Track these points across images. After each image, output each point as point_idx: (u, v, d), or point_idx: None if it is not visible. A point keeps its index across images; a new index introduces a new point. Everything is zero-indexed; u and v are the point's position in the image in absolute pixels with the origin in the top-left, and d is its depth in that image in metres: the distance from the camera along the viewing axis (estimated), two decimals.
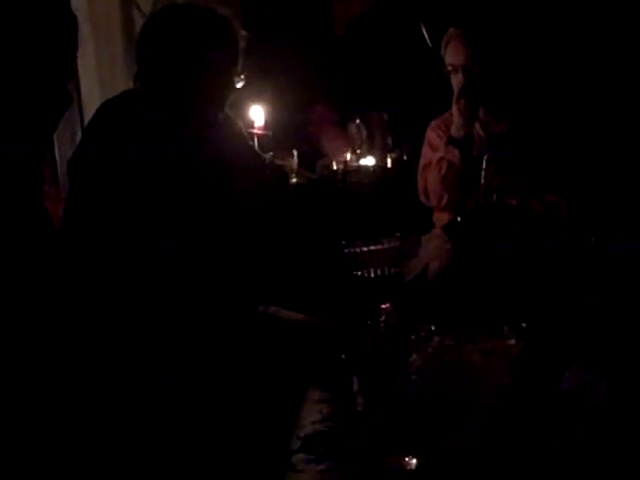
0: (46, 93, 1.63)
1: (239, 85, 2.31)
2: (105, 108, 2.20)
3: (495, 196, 2.52)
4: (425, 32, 3.35)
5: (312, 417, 1.68)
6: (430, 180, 3.13)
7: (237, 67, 2.28)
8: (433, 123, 3.25)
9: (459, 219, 2.62)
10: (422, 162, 3.26)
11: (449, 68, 3.00)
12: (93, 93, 3.11)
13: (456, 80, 2.99)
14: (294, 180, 3.25)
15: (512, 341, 1.70)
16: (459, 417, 1.40)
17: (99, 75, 3.13)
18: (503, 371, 1.58)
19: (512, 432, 1.40)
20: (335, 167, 3.66)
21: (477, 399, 1.46)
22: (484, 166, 2.62)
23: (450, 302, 2.05)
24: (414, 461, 1.44)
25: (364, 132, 3.86)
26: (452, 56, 3.00)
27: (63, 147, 2.91)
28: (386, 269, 1.98)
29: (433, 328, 1.57)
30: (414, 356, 1.45)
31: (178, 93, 2.18)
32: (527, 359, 1.63)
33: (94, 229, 2.11)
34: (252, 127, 3.17)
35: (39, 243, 1.75)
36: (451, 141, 2.97)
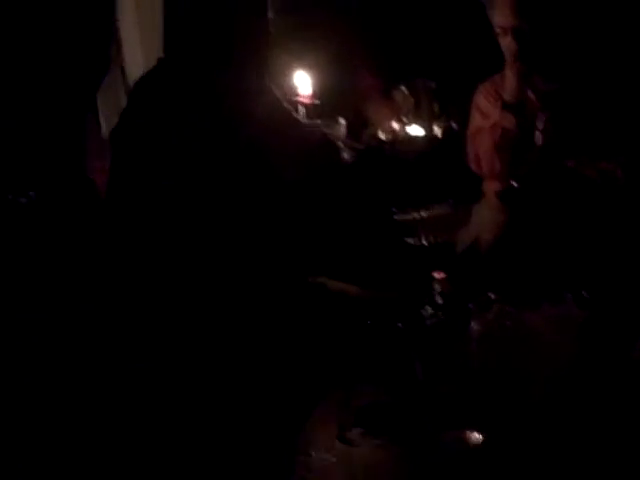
0: (85, 57, 1.60)
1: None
2: (143, 80, 2.17)
3: (552, 158, 2.42)
4: None
5: (368, 390, 1.63)
6: (482, 147, 3.03)
7: (269, 26, 2.20)
8: (481, 87, 3.15)
9: (515, 184, 2.53)
10: (472, 128, 3.17)
11: (497, 30, 2.90)
12: (136, 61, 3.08)
13: (505, 42, 2.89)
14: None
15: (575, 309, 1.62)
16: (522, 388, 1.34)
17: (142, 43, 3.09)
18: (567, 339, 1.51)
19: (579, 404, 1.34)
20: (382, 136, 3.60)
21: (541, 368, 1.39)
22: (540, 127, 2.52)
23: (507, 270, 1.98)
24: (474, 435, 1.39)
25: (410, 100, 3.79)
26: (500, 17, 2.89)
27: (108, 118, 2.88)
28: (439, 237, 1.91)
29: (492, 296, 1.50)
30: (473, 324, 1.39)
31: (211, 62, 2.12)
32: (595, 328, 1.55)
33: (136, 203, 2.09)
34: (297, 95, 3.11)
35: (84, 216, 1.73)
36: (505, 106, 2.88)
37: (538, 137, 2.51)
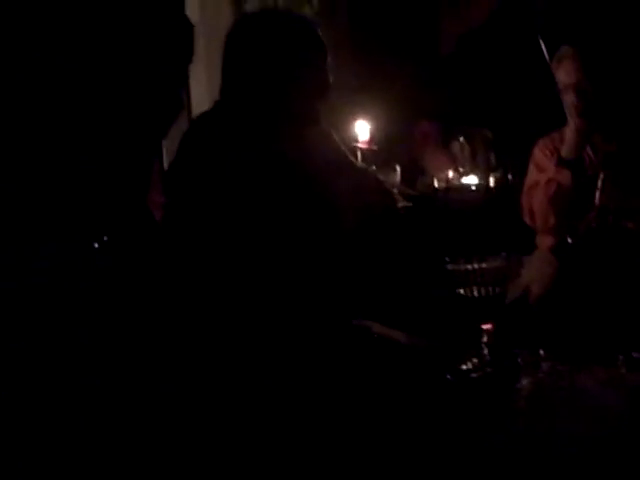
0: (160, 99, 1.66)
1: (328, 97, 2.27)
2: (198, 122, 2.22)
3: (611, 218, 2.42)
4: (543, 46, 3.27)
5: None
6: (537, 201, 3.05)
7: (328, 79, 2.22)
8: (540, 142, 3.17)
9: (570, 240, 2.53)
10: (528, 182, 3.18)
11: (560, 87, 2.93)
12: (203, 100, 3.15)
13: (568, 99, 2.92)
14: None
15: (627, 372, 1.60)
16: (570, 450, 1.33)
17: (209, 82, 3.17)
18: (619, 402, 1.49)
19: (627, 468, 1.33)
20: (437, 185, 3.62)
21: (590, 430, 1.38)
22: (599, 186, 2.53)
23: (558, 328, 1.98)
24: None
25: (467, 150, 3.81)
26: (564, 74, 2.93)
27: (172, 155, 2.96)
28: (490, 289, 1.92)
29: (542, 353, 1.50)
30: (524, 381, 1.38)
31: (266, 109, 2.14)
32: None
33: (190, 241, 2.12)
34: (356, 141, 3.16)
35: (144, 248, 1.77)
36: (562, 162, 2.90)
37: (597, 196, 2.52)
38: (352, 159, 2.55)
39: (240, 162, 2.07)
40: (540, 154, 3.15)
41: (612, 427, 1.40)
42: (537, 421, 1.37)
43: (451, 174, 3.66)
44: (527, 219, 3.14)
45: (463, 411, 1.40)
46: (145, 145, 1.71)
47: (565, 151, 2.95)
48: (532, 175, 3.17)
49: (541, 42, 3.32)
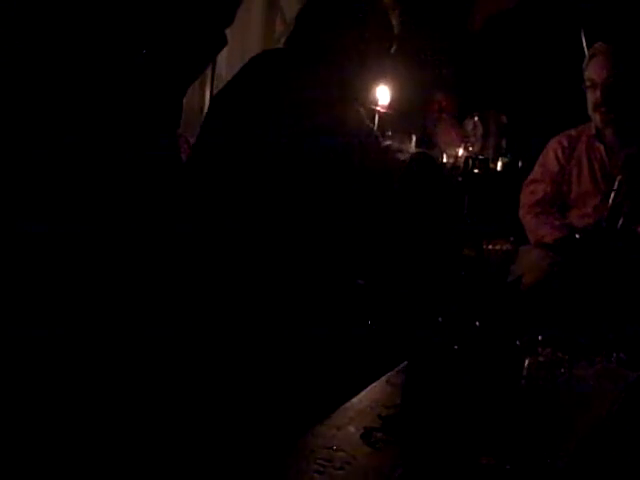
0: (208, 34, 1.67)
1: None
2: (259, 58, 2.22)
3: (622, 220, 2.46)
4: (584, 38, 3.27)
5: (396, 399, 1.67)
6: (528, 200, 3.12)
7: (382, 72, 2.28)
8: (555, 140, 3.17)
9: (577, 236, 2.57)
10: (531, 177, 3.21)
11: (588, 83, 2.94)
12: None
13: (593, 96, 2.93)
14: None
15: (623, 369, 1.66)
16: (558, 435, 1.38)
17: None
18: (614, 395, 1.55)
19: (609, 462, 1.38)
20: (445, 160, 3.64)
21: (584, 416, 1.43)
22: (615, 187, 2.56)
23: (555, 317, 2.03)
24: (493, 463, 1.42)
25: (480, 130, 3.83)
26: (594, 71, 2.94)
27: (190, 95, 2.95)
28: (494, 271, 1.96)
29: (540, 338, 1.55)
30: (526, 361, 1.43)
31: (328, 67, 2.17)
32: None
33: (217, 171, 2.13)
34: (375, 105, 3.17)
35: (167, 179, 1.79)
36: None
37: (612, 197, 2.55)
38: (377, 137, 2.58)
39: (275, 115, 2.08)
40: (551, 152, 3.16)
41: (604, 415, 1.45)
42: (534, 399, 1.42)
43: (461, 151, 3.68)
44: (520, 212, 3.19)
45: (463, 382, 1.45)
46: (184, 78, 1.72)
47: None
48: (537, 171, 3.20)
49: (583, 35, 3.32)
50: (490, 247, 1.95)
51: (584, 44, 3.30)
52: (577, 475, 1.34)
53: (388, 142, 2.76)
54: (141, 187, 1.70)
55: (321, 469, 1.44)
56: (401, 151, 2.49)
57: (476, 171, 3.06)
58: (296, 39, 2.22)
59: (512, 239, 2.01)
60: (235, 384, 1.82)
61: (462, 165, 3.32)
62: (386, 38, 2.24)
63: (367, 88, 2.34)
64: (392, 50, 2.27)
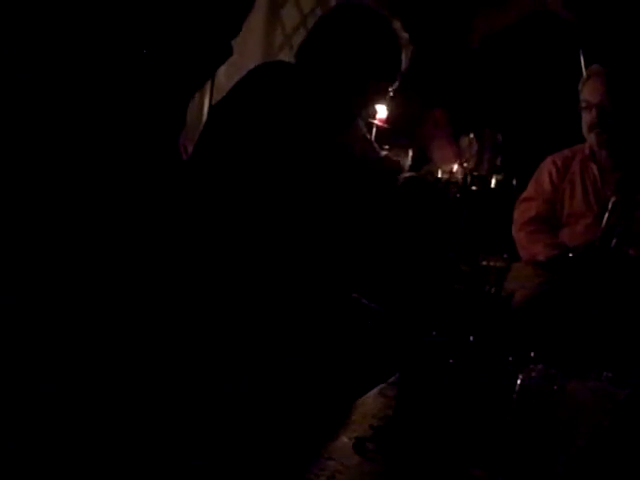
0: (215, 44, 1.69)
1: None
2: (261, 69, 2.24)
3: (615, 241, 2.49)
4: (582, 60, 3.31)
5: (388, 411, 1.69)
6: (522, 217, 3.14)
7: (391, 83, 2.30)
8: (549, 159, 3.21)
9: (570, 255, 2.60)
10: (524, 195, 3.24)
11: (583, 104, 2.98)
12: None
13: (588, 117, 2.97)
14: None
15: (613, 387, 1.69)
16: (550, 449, 1.40)
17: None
18: (605, 411, 1.57)
19: (601, 476, 1.40)
20: (440, 175, 3.65)
21: (575, 432, 1.45)
22: (609, 208, 2.59)
23: (551, 336, 2.05)
24: (481, 476, 1.44)
25: (475, 147, 3.85)
26: (589, 92, 2.97)
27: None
28: (488, 287, 1.98)
29: (532, 354, 1.57)
30: (519, 377, 1.45)
31: (328, 86, 2.20)
32: (631, 406, 1.62)
33: (210, 183, 2.15)
34: (373, 118, 3.20)
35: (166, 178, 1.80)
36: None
37: (605, 217, 2.58)
38: (376, 153, 2.60)
39: (275, 130, 2.10)
40: (545, 171, 3.20)
41: (595, 433, 1.48)
42: (525, 414, 1.44)
43: (455, 167, 3.70)
44: (513, 229, 3.22)
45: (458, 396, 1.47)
46: (189, 86, 1.75)
47: None
48: (530, 189, 3.23)
49: (581, 56, 3.36)
50: (485, 263, 1.98)
51: (582, 65, 3.33)
52: None
53: (385, 151, 2.80)
54: (142, 190, 1.72)
55: (313, 477, 1.45)
56: (398, 162, 2.53)
57: (474, 188, 3.09)
58: (309, 54, 2.22)
59: (506, 256, 2.03)
60: (227, 393, 1.84)
61: (460, 181, 3.35)
62: (393, 75, 2.27)
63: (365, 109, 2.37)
64: (395, 86, 2.29)
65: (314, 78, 2.17)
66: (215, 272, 1.99)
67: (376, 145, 2.56)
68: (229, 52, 1.78)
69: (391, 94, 2.35)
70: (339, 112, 2.20)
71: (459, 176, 3.65)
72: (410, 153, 3.35)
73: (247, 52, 2.72)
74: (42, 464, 1.47)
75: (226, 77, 3.26)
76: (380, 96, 2.32)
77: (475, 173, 3.43)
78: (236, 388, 1.82)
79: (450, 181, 3.60)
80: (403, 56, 2.30)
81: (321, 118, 2.14)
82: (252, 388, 1.83)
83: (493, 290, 1.88)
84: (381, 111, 3.27)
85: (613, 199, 2.63)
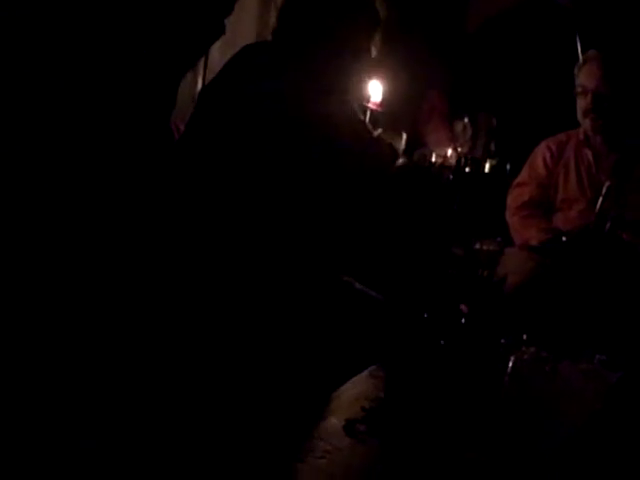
0: (207, 22, 1.67)
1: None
2: (244, 53, 2.23)
3: (609, 226, 2.48)
4: (579, 44, 3.29)
5: (379, 393, 1.69)
6: (515, 202, 3.13)
7: (369, 55, 2.28)
8: (544, 144, 3.20)
9: (564, 239, 2.59)
10: (518, 179, 3.23)
11: (579, 89, 2.97)
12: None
13: (583, 103, 2.96)
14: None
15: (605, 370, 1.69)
16: (545, 427, 1.40)
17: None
18: (597, 393, 1.57)
19: (595, 460, 1.40)
20: (433, 159, 3.64)
21: (567, 413, 1.45)
22: (603, 193, 2.59)
23: (544, 319, 2.05)
24: (474, 458, 1.44)
25: (469, 131, 3.84)
26: (585, 77, 2.96)
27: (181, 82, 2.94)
28: (481, 271, 1.98)
29: (525, 337, 1.57)
30: (511, 359, 1.45)
31: (307, 58, 2.18)
32: (624, 389, 1.62)
33: (199, 164, 2.13)
34: (367, 101, 3.17)
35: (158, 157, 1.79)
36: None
37: (599, 202, 2.57)
38: (368, 132, 2.58)
39: (263, 108, 2.09)
40: (539, 157, 3.19)
41: (586, 413, 1.48)
42: (517, 396, 1.44)
43: (449, 152, 3.68)
44: (507, 215, 3.21)
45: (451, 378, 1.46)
46: (181, 64, 1.73)
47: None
48: (524, 174, 3.23)
49: (577, 40, 3.34)
50: (478, 247, 1.97)
51: (579, 49, 3.32)
52: (561, 471, 1.36)
53: (379, 132, 2.79)
54: (133, 171, 1.70)
55: (303, 458, 1.45)
56: (391, 144, 2.51)
57: (467, 170, 3.08)
58: (281, 31, 2.22)
59: (499, 240, 2.03)
60: (218, 376, 1.83)
61: (454, 164, 3.34)
62: (372, 25, 2.25)
63: (357, 79, 2.34)
64: (378, 38, 2.27)
65: (292, 50, 2.16)
66: (205, 253, 1.98)
67: (370, 126, 2.54)
68: (222, 30, 1.76)
69: (374, 54, 2.31)
70: (324, 81, 2.18)
71: (453, 160, 3.65)
72: (404, 136, 3.33)
73: (241, 31, 2.69)
74: (42, 464, 1.46)
75: (220, 56, 3.24)
76: (364, 52, 2.28)
77: (469, 157, 3.42)
78: (227, 371, 1.82)
79: (444, 165, 3.60)
80: (377, 4, 2.27)
81: (309, 92, 2.13)
82: (243, 371, 1.83)
83: (486, 273, 1.87)
84: (375, 94, 3.25)
85: (607, 184, 2.62)
